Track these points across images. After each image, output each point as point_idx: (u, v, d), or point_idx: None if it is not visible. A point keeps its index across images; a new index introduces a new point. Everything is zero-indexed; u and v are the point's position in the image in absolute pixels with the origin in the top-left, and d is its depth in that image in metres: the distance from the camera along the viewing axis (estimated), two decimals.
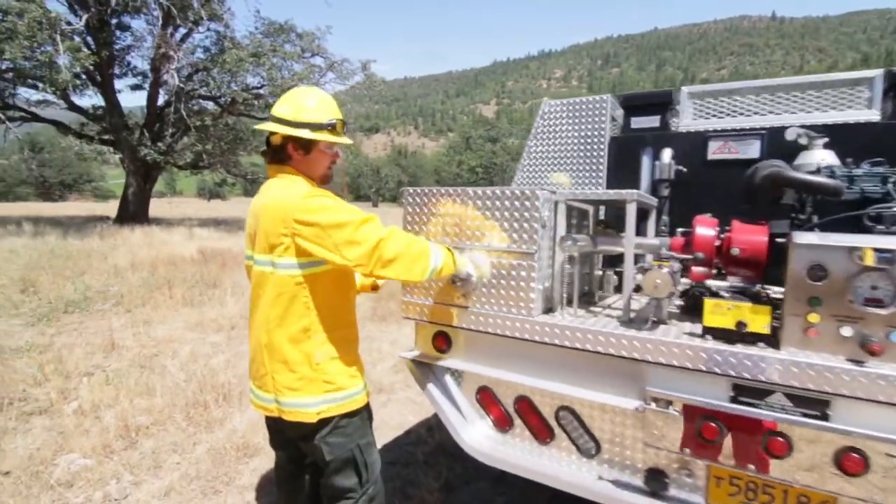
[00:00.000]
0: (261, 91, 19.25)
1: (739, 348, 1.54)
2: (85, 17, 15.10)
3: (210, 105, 20.26)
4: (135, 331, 5.70)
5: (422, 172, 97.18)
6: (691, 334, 1.69)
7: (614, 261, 2.46)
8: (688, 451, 1.63)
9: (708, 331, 1.63)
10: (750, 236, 1.74)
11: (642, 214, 2.55)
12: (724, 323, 1.60)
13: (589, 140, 2.81)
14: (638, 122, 2.75)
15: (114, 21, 18.00)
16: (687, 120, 2.69)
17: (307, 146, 1.67)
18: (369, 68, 21.35)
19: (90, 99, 19.19)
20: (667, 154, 2.51)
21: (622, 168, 2.74)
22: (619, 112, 2.97)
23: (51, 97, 17.22)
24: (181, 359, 4.89)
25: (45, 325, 5.81)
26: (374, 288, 2.22)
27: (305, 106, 1.66)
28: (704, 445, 1.62)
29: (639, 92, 2.79)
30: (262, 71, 18.46)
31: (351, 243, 1.53)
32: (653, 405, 1.64)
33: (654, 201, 2.22)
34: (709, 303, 1.61)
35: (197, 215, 28.58)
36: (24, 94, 17.12)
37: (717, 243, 1.80)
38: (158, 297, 7.15)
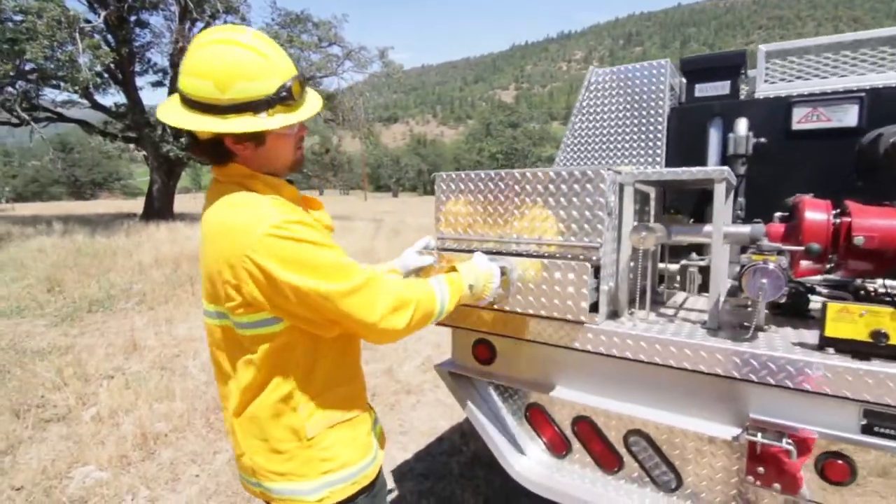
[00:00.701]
0: None
1: (877, 365, 1.19)
2: (103, 14, 15.08)
3: None
4: (156, 330, 5.57)
5: (441, 161, 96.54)
6: (802, 345, 1.34)
7: (674, 253, 2.11)
8: (804, 494, 1.30)
9: (829, 342, 1.28)
10: (879, 221, 1.37)
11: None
12: (853, 333, 1.24)
13: (644, 113, 2.44)
14: (703, 90, 2.36)
15: (132, 18, 18.01)
16: (764, 84, 2.29)
17: (257, 136, 1.07)
18: (387, 55, 20.98)
19: (113, 97, 19.26)
20: (742, 125, 2.13)
21: (684, 143, 2.37)
22: (679, 80, 2.58)
23: (75, 97, 17.40)
24: (202, 359, 4.71)
25: (69, 326, 5.74)
26: None
27: (235, 70, 1.00)
28: (827, 488, 1.28)
29: (704, 54, 2.39)
30: None
31: (338, 320, 1.08)
32: (758, 436, 1.31)
33: (734, 180, 1.85)
34: (833, 307, 1.26)
35: None
36: (50, 94, 17.35)
37: (832, 230, 1.44)
38: (181, 294, 7.04)
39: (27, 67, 13.63)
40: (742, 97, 2.38)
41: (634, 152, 2.48)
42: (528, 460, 1.79)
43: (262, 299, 1.02)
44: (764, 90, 2.28)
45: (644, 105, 2.44)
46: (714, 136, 2.29)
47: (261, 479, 1.17)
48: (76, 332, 5.52)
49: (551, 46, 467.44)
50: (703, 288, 1.73)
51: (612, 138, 2.55)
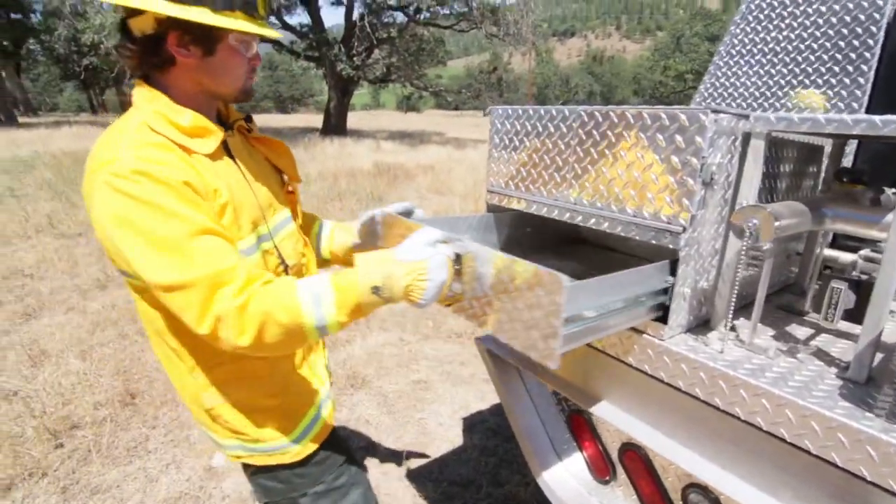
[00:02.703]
0: None
1: None
2: None
3: (399, 15, 20.45)
4: None
5: (618, 81, 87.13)
6: None
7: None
8: None
9: None
10: None
11: None
12: None
13: (845, 23, 1.59)
14: None
15: None
16: None
17: (208, 40, 0.90)
18: None
19: (298, 17, 20.95)
20: None
21: None
22: None
23: (272, 17, 19.32)
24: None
25: None
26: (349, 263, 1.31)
27: None
28: None
29: None
30: None
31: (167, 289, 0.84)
32: None
33: None
34: None
35: (389, 128, 30.58)
36: None
37: None
38: (330, 209, 7.67)
39: None
40: None
41: (824, 72, 1.68)
42: (563, 471, 1.47)
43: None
44: None
45: (847, 11, 1.59)
46: None
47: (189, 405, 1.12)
48: None
49: None
50: (853, 315, 1.10)
51: (790, 51, 1.75)
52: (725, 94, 1.94)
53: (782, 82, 1.77)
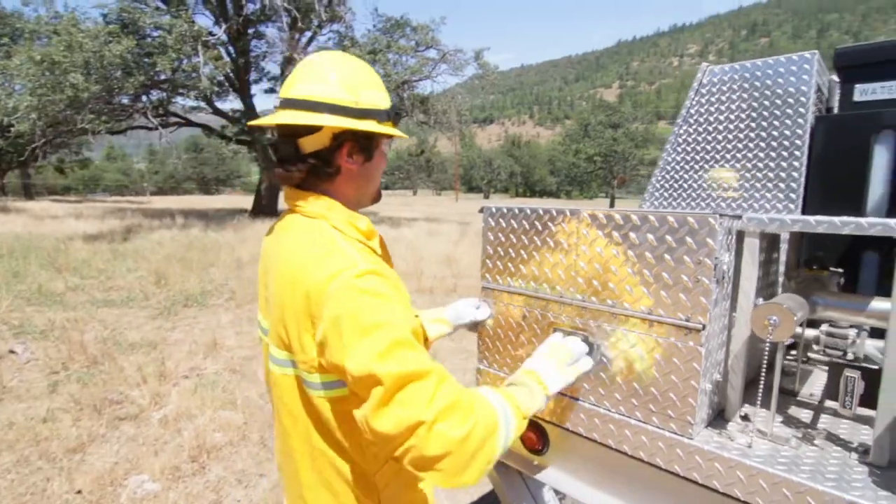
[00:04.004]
0: None
1: None
2: (225, 26, 16.51)
3: None
4: (237, 329, 5.77)
5: (535, 163, 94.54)
6: None
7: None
8: None
9: None
10: None
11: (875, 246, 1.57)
12: None
13: (777, 123, 1.85)
14: (867, 93, 1.72)
15: (251, 30, 19.61)
16: None
17: (369, 147, 1.02)
18: (482, 57, 20.73)
19: (230, 103, 21.12)
20: None
21: (835, 166, 1.75)
22: (826, 79, 1.95)
23: (202, 103, 19.34)
24: None
25: (164, 319, 6.14)
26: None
27: (362, 80, 1.00)
28: None
29: (869, 43, 1.75)
30: (379, 67, 18.80)
31: (381, 404, 0.81)
32: None
33: None
34: None
35: None
36: (182, 101, 19.45)
37: None
38: None
39: (161, 78, 15.33)
40: None
41: (760, 176, 1.90)
42: None
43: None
44: None
45: (778, 113, 1.85)
46: (882, 159, 1.64)
47: None
48: (169, 327, 5.88)
49: (662, 41, 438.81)
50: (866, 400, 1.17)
51: (728, 157, 1.98)
52: (676, 186, 2.13)
53: (726, 179, 1.98)
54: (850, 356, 1.35)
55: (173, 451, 3.22)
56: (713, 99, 2.04)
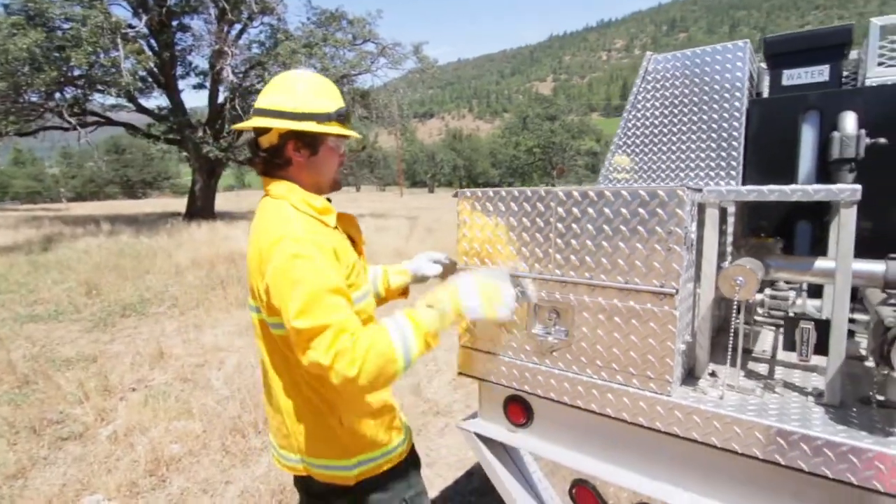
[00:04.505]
0: None
1: None
2: (145, 18, 15.44)
3: None
4: (184, 337, 5.48)
5: (477, 155, 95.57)
6: None
7: None
8: None
9: None
10: None
11: (810, 215, 1.75)
12: None
13: (716, 107, 2.00)
14: (793, 77, 1.90)
15: (175, 22, 18.45)
16: (879, 68, 1.82)
17: (314, 143, 1.27)
18: (421, 51, 20.66)
19: (156, 100, 19.86)
20: (850, 120, 1.67)
21: (767, 145, 1.92)
22: (756, 66, 2.13)
23: (123, 101, 18.01)
24: (227, 371, 4.56)
25: (101, 332, 5.73)
26: (404, 293, 1.72)
27: (306, 91, 1.26)
28: None
29: (796, 32, 1.93)
30: (316, 62, 18.28)
31: (299, 348, 1.12)
32: None
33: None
34: None
35: None
36: (100, 99, 18.02)
37: None
38: (212, 299, 6.97)
39: (76, 73, 14.13)
40: (851, 83, 1.91)
41: (703, 156, 2.05)
42: None
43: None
44: (878, 75, 1.81)
45: (716, 98, 2.01)
46: (808, 136, 1.83)
47: (304, 456, 1.31)
48: (107, 339, 5.50)
49: (590, 36, 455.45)
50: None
51: (673, 139, 2.12)
52: (629, 169, 2.26)
53: (672, 163, 2.12)
54: (790, 314, 1.51)
55: (128, 467, 3.04)
56: (658, 86, 2.18)
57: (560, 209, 1.27)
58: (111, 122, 19.11)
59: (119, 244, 11.80)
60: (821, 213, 1.81)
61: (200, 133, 18.42)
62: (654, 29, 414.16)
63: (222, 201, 25.42)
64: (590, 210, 1.22)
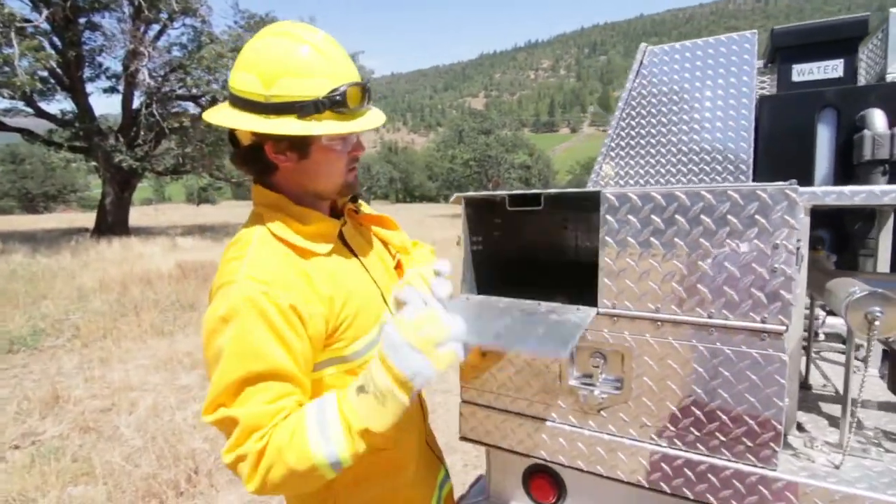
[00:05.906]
0: None
1: None
2: (45, 13, 13.83)
3: (191, 106, 19.03)
4: (87, 375, 4.64)
5: (413, 168, 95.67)
6: None
7: None
8: None
9: None
10: None
11: (849, 222, 1.55)
12: None
13: (721, 104, 1.79)
14: (803, 72, 1.73)
15: (82, 19, 16.73)
16: None
17: (300, 143, 0.89)
18: (358, 60, 20.23)
19: (59, 104, 17.79)
20: (880, 119, 1.50)
21: (783, 143, 1.73)
22: (759, 61, 1.96)
23: (19, 104, 16.04)
24: (139, 415, 3.84)
25: None
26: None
27: (287, 65, 0.85)
28: None
29: (805, 24, 1.76)
30: None
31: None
32: None
33: None
34: None
35: (183, 222, 27.25)
36: None
37: None
38: (122, 327, 6.07)
39: None
40: (866, 79, 1.77)
41: (708, 158, 1.83)
42: None
43: None
44: None
45: (721, 93, 1.80)
46: (825, 135, 1.66)
47: None
48: None
49: (519, 55, 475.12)
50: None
51: (674, 139, 1.89)
52: (623, 174, 2.00)
53: (673, 165, 1.89)
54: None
55: None
56: (654, 80, 1.95)
57: (610, 218, 0.94)
58: (5, 128, 16.92)
59: (10, 264, 10.25)
60: (841, 221, 1.63)
61: (112, 141, 16.75)
62: (577, 51, 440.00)
63: (138, 216, 23.40)
64: (654, 219, 0.90)
